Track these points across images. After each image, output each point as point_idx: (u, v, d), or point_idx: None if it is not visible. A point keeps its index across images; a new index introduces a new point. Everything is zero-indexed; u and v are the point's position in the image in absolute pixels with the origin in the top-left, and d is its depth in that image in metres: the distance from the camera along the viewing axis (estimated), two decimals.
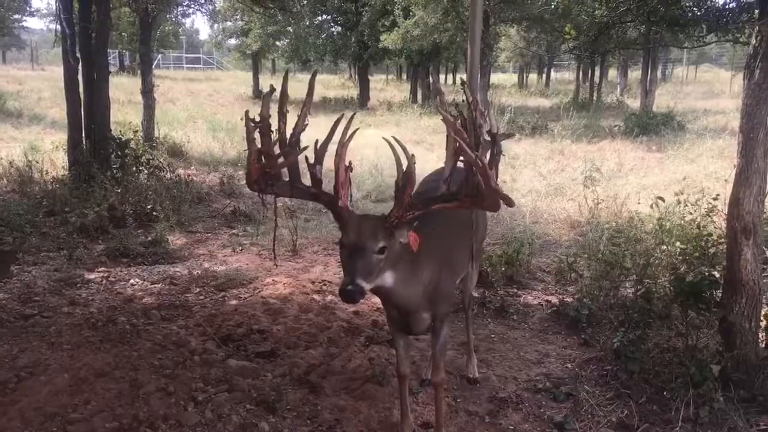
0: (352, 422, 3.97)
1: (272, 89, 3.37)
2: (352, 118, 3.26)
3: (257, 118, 3.20)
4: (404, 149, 3.00)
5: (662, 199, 6.20)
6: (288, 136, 3.26)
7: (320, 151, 3.25)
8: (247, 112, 3.22)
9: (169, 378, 4.46)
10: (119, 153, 9.77)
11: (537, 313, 5.90)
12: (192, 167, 12.61)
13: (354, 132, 3.19)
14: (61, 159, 10.44)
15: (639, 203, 7.76)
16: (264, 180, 3.21)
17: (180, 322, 5.47)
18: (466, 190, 3.06)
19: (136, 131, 11.41)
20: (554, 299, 6.12)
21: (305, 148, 3.26)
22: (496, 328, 5.62)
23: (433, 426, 3.90)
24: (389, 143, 3.13)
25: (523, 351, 5.14)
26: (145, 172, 9.86)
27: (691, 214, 6.47)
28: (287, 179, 3.28)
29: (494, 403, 4.30)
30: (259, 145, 3.21)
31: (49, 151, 11.25)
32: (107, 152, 9.73)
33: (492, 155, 3.33)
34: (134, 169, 9.74)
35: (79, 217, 8.00)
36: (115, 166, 9.70)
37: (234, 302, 6.03)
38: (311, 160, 3.23)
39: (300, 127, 3.26)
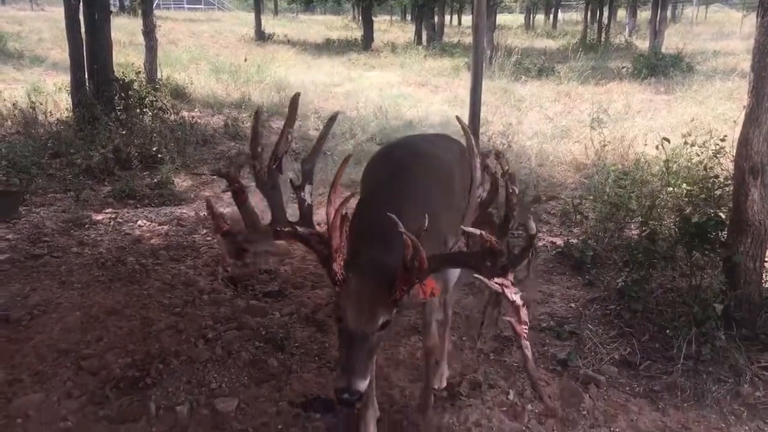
0: None
1: (238, 157, 2.93)
2: (347, 160, 2.80)
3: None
4: (408, 235, 2.39)
5: (668, 140, 6.15)
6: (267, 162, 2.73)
7: (309, 165, 2.77)
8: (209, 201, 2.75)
9: (179, 316, 4.54)
10: (123, 95, 9.67)
11: (542, 255, 5.93)
12: (196, 109, 12.52)
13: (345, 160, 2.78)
14: (65, 101, 10.35)
15: (646, 145, 7.70)
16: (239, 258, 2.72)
17: (188, 263, 5.53)
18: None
19: (139, 72, 11.27)
20: (559, 241, 6.15)
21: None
22: None
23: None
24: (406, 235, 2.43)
25: (527, 291, 5.18)
26: (149, 114, 9.79)
27: (698, 155, 6.43)
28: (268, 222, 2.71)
29: (499, 341, 4.37)
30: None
31: (52, 92, 11.14)
32: (111, 94, 9.64)
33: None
34: (138, 110, 9.66)
35: (84, 158, 8.00)
36: (118, 107, 9.63)
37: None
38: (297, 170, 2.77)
39: (283, 149, 2.73)
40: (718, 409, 3.61)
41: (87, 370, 3.83)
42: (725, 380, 3.78)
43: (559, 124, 10.80)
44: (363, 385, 2.46)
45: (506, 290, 2.39)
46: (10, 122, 9.84)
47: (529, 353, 2.45)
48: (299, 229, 2.61)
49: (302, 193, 2.69)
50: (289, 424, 3.43)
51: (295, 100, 2.79)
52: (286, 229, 2.62)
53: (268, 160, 2.72)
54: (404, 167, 3.34)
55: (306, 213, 2.68)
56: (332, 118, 2.87)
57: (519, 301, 2.41)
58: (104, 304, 4.63)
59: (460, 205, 3.74)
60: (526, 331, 2.44)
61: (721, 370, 3.82)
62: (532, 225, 2.45)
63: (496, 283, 2.40)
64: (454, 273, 3.89)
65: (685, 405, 3.65)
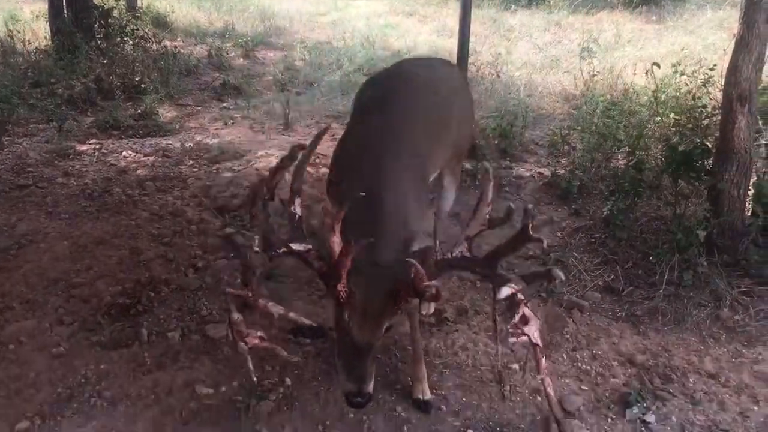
0: None
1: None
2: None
3: None
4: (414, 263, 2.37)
5: (657, 65, 6.11)
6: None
7: (297, 183, 2.65)
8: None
9: (168, 246, 4.55)
10: (102, 23, 9.41)
11: (529, 185, 5.96)
12: (178, 39, 12.20)
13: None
14: (43, 29, 10.07)
15: (635, 74, 7.64)
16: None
17: (176, 193, 5.50)
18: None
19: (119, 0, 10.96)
20: (546, 171, 6.16)
21: None
22: None
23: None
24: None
25: (514, 221, 5.22)
26: (131, 42, 9.54)
27: (687, 85, 6.40)
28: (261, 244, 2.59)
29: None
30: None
31: (29, 20, 10.82)
32: (90, 21, 9.37)
33: None
34: (119, 39, 9.41)
35: (65, 88, 7.84)
36: (99, 36, 9.37)
37: (228, 174, 6.04)
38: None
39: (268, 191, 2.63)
40: (697, 332, 3.72)
41: (78, 298, 3.87)
42: (705, 305, 3.88)
43: (549, 54, 10.66)
44: (371, 387, 2.52)
45: (517, 299, 2.41)
46: None
47: (551, 390, 2.48)
48: (294, 247, 2.57)
49: (293, 207, 2.64)
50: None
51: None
52: (282, 250, 2.58)
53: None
54: (393, 102, 3.33)
55: (297, 225, 2.63)
56: (320, 134, 2.83)
57: (530, 316, 2.43)
58: (92, 234, 4.63)
59: (456, 136, 3.73)
60: (544, 361, 2.49)
61: (701, 295, 3.92)
62: (559, 274, 2.49)
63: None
64: (448, 201, 3.92)
65: (666, 328, 3.75)
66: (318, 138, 2.78)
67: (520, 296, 2.41)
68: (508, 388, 3.25)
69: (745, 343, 3.64)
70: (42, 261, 4.24)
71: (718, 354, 3.54)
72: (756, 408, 3.15)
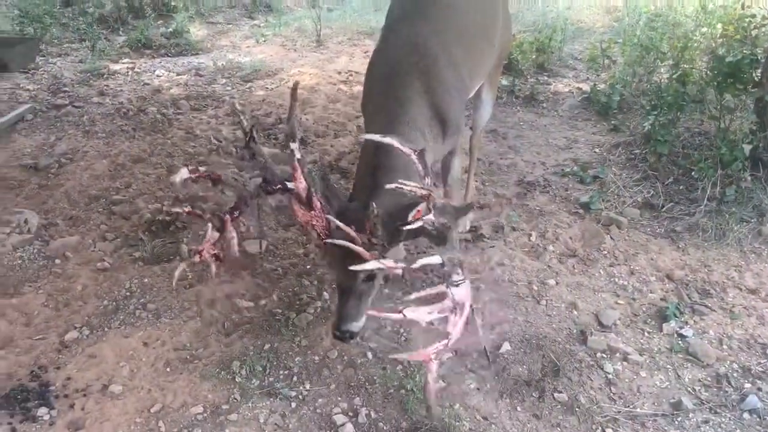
0: None
1: None
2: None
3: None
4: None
5: None
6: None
7: (290, 128, 2.55)
8: None
9: (204, 164, 4.57)
10: None
11: (567, 101, 5.82)
12: None
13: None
14: None
15: None
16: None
17: (210, 112, 5.50)
18: None
19: None
20: (585, 86, 6.00)
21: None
22: (525, 115, 5.58)
23: None
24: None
25: (551, 137, 5.14)
26: None
27: None
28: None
29: (522, 186, 4.39)
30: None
31: None
32: None
33: None
34: None
35: (96, 7, 7.80)
36: None
37: (261, 93, 6.01)
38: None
39: (248, 125, 2.58)
40: (738, 248, 3.66)
41: (119, 215, 3.94)
42: (748, 220, 3.80)
43: None
44: (354, 326, 2.51)
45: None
46: None
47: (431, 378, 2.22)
48: (290, 184, 2.51)
49: (288, 151, 2.52)
50: (317, 264, 3.54)
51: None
52: (277, 187, 2.55)
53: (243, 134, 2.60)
54: (427, 6, 3.16)
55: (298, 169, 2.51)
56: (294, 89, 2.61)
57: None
58: (130, 153, 4.68)
59: (500, 40, 3.57)
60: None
61: (744, 210, 3.84)
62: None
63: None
64: (485, 116, 3.81)
65: (706, 244, 3.70)
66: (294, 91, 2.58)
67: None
68: (544, 302, 3.26)
69: None
70: (82, 179, 4.31)
71: (759, 269, 3.49)
72: None
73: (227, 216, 2.55)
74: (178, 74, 6.41)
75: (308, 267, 3.52)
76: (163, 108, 5.48)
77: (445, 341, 2.15)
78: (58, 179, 4.32)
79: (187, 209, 2.63)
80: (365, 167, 2.74)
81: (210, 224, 2.54)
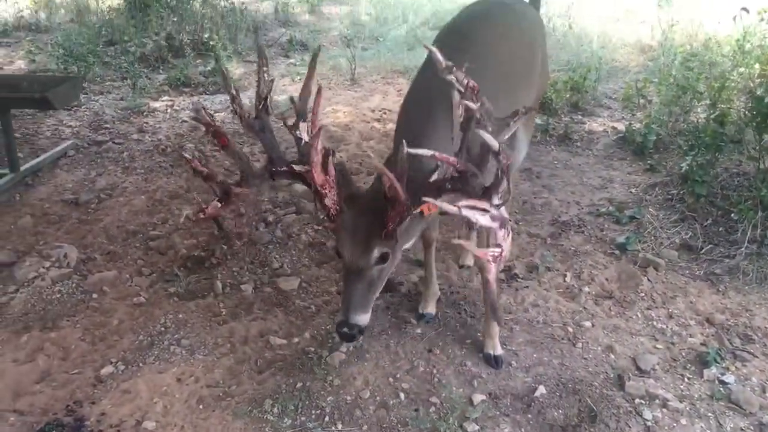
0: (418, 243, 4.09)
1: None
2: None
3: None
4: (382, 171, 2.24)
5: (746, 9, 5.77)
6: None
7: (301, 103, 2.62)
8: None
9: (240, 200, 4.62)
10: None
11: (602, 140, 5.80)
12: None
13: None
14: None
15: (719, 23, 7.26)
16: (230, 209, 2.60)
17: (245, 149, 5.57)
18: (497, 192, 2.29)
19: None
20: (620, 126, 5.97)
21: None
22: (560, 154, 5.56)
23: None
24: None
25: (586, 177, 5.11)
26: (199, 0, 9.66)
27: None
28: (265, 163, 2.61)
29: (556, 226, 4.35)
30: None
31: None
32: None
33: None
34: None
35: (138, 46, 8.01)
36: None
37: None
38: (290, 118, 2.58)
39: (264, 90, 2.64)
40: None
41: (155, 250, 4.00)
42: None
43: (623, 4, 10.24)
44: (362, 319, 2.46)
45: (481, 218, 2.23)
46: (63, 11, 9.87)
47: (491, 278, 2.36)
48: (296, 167, 2.53)
49: (297, 132, 2.60)
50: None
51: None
52: (283, 169, 2.54)
53: (255, 101, 2.65)
54: (462, 49, 3.15)
55: (304, 150, 2.57)
56: (314, 57, 2.77)
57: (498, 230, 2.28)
58: (167, 189, 4.76)
59: (537, 80, 3.58)
60: (497, 265, 2.36)
61: None
62: (489, 138, 2.23)
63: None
64: (520, 154, 3.79)
65: (747, 288, 3.62)
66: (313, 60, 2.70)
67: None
68: (580, 345, 3.20)
69: None
70: (121, 214, 4.39)
71: None
72: None
73: (233, 188, 2.61)
74: (215, 112, 6.53)
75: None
76: (200, 145, 5.58)
77: (499, 249, 2.25)
78: (98, 214, 4.41)
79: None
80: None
81: (216, 189, 2.59)
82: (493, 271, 2.35)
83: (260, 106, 2.64)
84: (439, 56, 2.37)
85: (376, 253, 2.45)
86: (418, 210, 2.29)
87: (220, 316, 3.40)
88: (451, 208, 2.13)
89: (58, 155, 5.22)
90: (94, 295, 3.57)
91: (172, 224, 4.30)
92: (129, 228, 4.23)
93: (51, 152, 5.17)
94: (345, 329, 2.45)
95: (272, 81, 2.70)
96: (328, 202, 2.41)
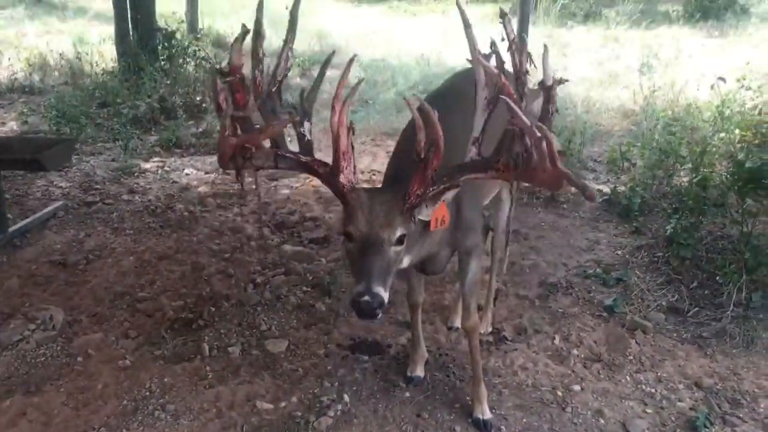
0: (405, 305, 4.09)
1: (245, 30, 2.62)
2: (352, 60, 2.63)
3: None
4: (427, 112, 2.27)
5: (723, 79, 5.95)
6: (267, 83, 2.60)
7: (308, 102, 2.60)
8: (217, 70, 2.61)
9: (228, 261, 4.64)
10: (166, 44, 9.70)
11: (587, 203, 5.87)
12: None
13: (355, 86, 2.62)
14: (110, 51, 10.46)
15: (698, 89, 7.46)
16: (241, 154, 2.47)
17: (235, 210, 5.62)
18: (507, 156, 2.36)
19: (181, 22, 11.25)
20: (606, 188, 6.05)
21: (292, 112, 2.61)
22: (547, 216, 5.62)
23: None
24: (406, 101, 2.42)
25: (573, 238, 5.16)
26: (192, 63, 9.82)
27: (752, 100, 6.23)
28: (269, 146, 2.56)
29: (544, 287, 4.37)
30: (232, 110, 2.51)
31: (96, 43, 11.23)
32: (154, 44, 9.68)
33: (545, 113, 2.58)
34: (181, 60, 9.68)
35: (131, 108, 8.10)
36: (162, 57, 9.65)
37: (286, 191, 6.13)
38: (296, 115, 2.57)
39: (283, 71, 2.61)
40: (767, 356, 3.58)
41: (142, 312, 3.97)
42: None
43: (607, 69, 10.52)
44: (384, 290, 2.25)
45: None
46: (57, 73, 10.00)
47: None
48: (303, 157, 2.51)
49: (302, 129, 2.56)
50: (338, 366, 3.51)
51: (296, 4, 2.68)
52: (288, 155, 2.51)
53: (269, 83, 2.62)
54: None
55: (306, 146, 2.55)
56: (329, 58, 2.81)
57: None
58: (156, 250, 4.76)
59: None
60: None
61: None
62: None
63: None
64: (504, 216, 3.81)
65: (734, 351, 3.63)
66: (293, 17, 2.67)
67: None
68: (569, 409, 3.18)
69: None
70: (109, 275, 4.38)
71: None
72: None
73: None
74: (206, 173, 6.59)
75: (329, 368, 3.49)
76: (190, 205, 5.61)
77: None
78: (85, 275, 4.39)
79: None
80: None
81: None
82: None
83: (275, 88, 2.60)
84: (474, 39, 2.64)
85: (397, 229, 2.35)
86: (441, 188, 2.36)
87: (207, 380, 3.37)
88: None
89: (48, 216, 5.23)
90: (79, 359, 3.53)
91: (159, 285, 4.29)
92: (116, 289, 4.21)
93: (40, 213, 5.18)
94: (367, 297, 2.20)
95: (290, 67, 2.67)
96: (342, 178, 2.37)
